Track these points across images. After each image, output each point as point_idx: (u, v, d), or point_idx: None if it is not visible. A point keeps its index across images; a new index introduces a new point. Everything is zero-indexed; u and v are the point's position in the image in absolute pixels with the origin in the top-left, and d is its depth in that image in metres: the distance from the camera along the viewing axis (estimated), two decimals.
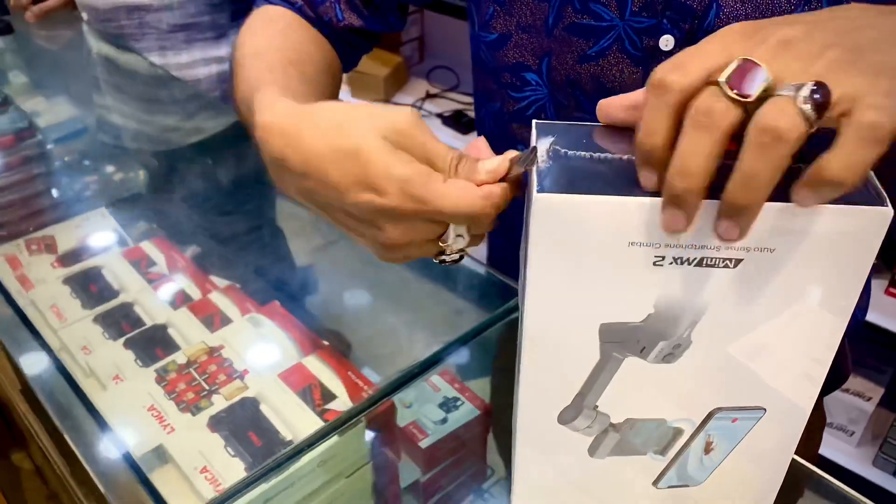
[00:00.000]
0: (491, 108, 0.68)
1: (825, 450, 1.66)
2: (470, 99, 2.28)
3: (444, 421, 0.64)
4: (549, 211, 0.37)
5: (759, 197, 0.33)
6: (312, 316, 0.82)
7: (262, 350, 0.69)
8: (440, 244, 0.43)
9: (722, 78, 0.33)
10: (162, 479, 0.58)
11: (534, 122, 0.41)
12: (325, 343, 0.70)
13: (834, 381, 0.80)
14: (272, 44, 0.60)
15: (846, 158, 0.32)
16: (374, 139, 0.40)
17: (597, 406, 0.44)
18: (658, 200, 0.35)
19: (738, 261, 0.37)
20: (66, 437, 0.61)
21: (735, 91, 0.32)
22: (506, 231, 0.51)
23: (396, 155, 0.39)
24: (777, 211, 0.35)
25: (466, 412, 0.64)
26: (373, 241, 0.43)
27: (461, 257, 0.44)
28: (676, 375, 0.42)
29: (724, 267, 0.37)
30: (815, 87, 0.31)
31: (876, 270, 1.58)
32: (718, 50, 0.34)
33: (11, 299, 0.80)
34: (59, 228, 0.94)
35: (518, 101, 0.64)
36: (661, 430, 0.45)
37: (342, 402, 0.63)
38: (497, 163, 0.41)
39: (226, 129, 1.20)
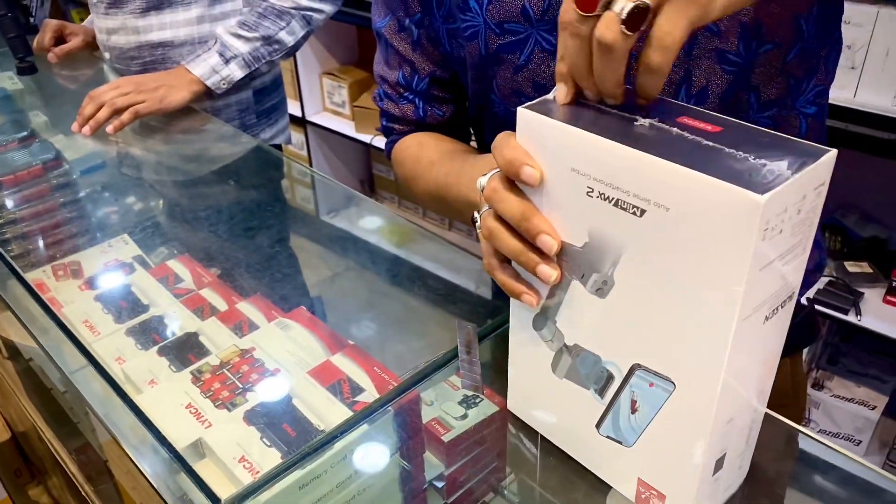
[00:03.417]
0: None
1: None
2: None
3: (465, 417, 0.67)
4: (523, 124, 0.46)
5: (608, 89, 0.44)
6: (337, 320, 0.86)
7: (291, 350, 0.73)
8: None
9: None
10: (203, 470, 0.62)
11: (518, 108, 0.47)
12: (351, 343, 0.73)
13: (807, 337, 0.87)
14: (430, 155, 0.79)
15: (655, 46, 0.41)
16: None
17: (556, 322, 0.51)
18: (595, 136, 0.42)
19: (643, 210, 0.41)
20: (111, 429, 0.64)
21: (583, 11, 0.42)
22: None
23: None
24: (672, 170, 0.39)
25: (486, 408, 0.67)
26: None
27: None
28: (607, 314, 0.47)
29: (633, 213, 0.42)
30: (633, 5, 0.40)
31: (874, 280, 1.62)
32: None
33: (44, 315, 0.83)
34: (85, 255, 0.98)
35: (496, 111, 0.76)
36: (598, 368, 0.49)
37: (370, 395, 0.67)
38: None
39: (242, 157, 1.26)
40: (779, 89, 0.65)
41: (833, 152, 0.40)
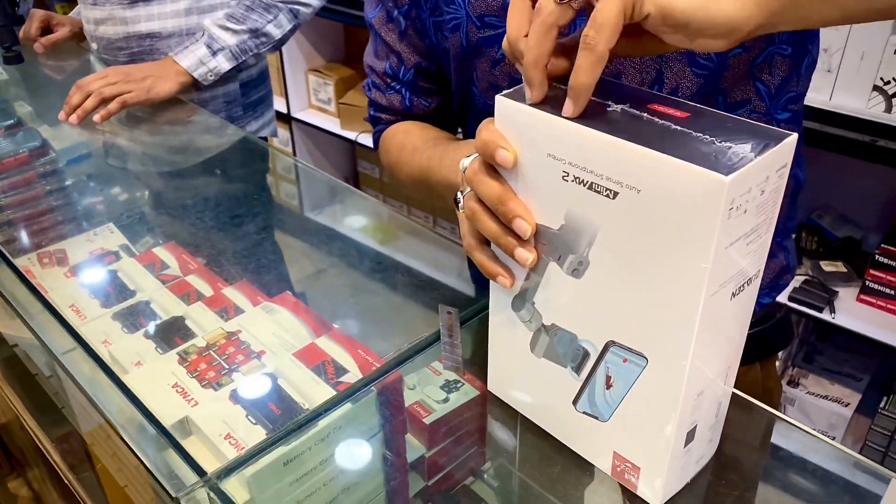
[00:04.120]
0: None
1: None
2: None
3: (447, 400, 0.69)
4: (501, 110, 0.48)
5: (538, 54, 0.45)
6: (321, 305, 0.87)
7: (276, 333, 0.74)
8: None
9: None
10: (189, 446, 0.63)
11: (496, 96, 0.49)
12: (336, 326, 0.75)
13: (780, 342, 0.89)
14: (414, 142, 0.80)
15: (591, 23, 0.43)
16: None
17: (534, 303, 0.52)
18: (568, 122, 0.44)
19: (616, 193, 0.43)
20: (101, 408, 0.65)
21: None
22: None
23: None
24: (642, 153, 0.41)
25: (467, 392, 0.69)
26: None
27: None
28: (583, 294, 0.49)
29: (606, 195, 0.44)
30: None
31: (848, 279, 1.66)
32: None
33: (31, 299, 0.84)
34: (70, 243, 0.98)
35: (476, 104, 0.79)
36: (575, 346, 0.51)
37: (353, 376, 0.69)
38: None
39: (229, 148, 1.27)
40: (745, 92, 0.66)
41: (794, 136, 0.42)
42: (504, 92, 0.48)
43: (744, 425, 0.59)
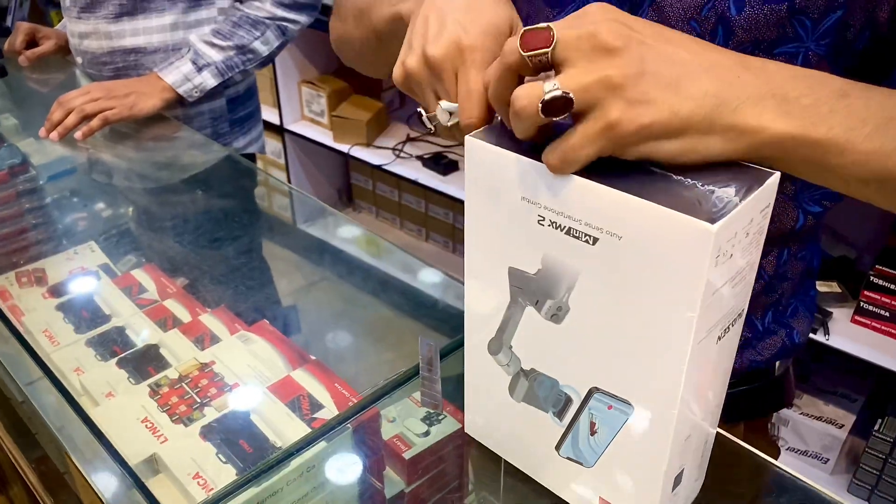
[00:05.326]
0: None
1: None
2: (448, 142, 2.34)
3: (427, 434, 0.67)
4: (471, 152, 0.45)
5: (518, 135, 0.42)
6: (300, 334, 0.85)
7: (251, 364, 0.72)
8: (438, 104, 0.50)
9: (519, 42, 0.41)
10: (157, 486, 0.61)
11: None
12: (313, 358, 0.73)
13: (773, 404, 0.82)
14: None
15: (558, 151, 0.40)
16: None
17: (511, 346, 0.50)
18: (543, 166, 0.41)
19: (596, 239, 0.41)
20: (65, 446, 0.63)
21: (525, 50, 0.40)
22: None
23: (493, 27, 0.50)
24: (622, 200, 0.39)
25: (449, 425, 0.67)
26: (421, 44, 0.51)
27: (429, 133, 0.51)
28: (563, 339, 0.47)
29: (585, 241, 0.41)
30: (557, 94, 0.38)
31: (842, 299, 1.64)
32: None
33: (2, 325, 0.82)
34: (49, 262, 0.96)
35: None
36: (556, 392, 0.49)
37: (329, 412, 0.66)
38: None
39: (214, 166, 1.25)
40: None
41: (776, 175, 0.40)
42: (473, 133, 0.46)
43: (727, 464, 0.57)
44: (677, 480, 0.48)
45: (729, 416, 0.74)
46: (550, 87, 0.39)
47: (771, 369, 0.76)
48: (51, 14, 3.06)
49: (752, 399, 0.77)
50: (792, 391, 0.82)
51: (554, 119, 0.39)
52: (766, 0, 0.52)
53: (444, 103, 0.49)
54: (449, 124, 0.49)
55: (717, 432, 0.58)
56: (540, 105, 0.39)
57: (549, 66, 0.40)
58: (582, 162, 0.40)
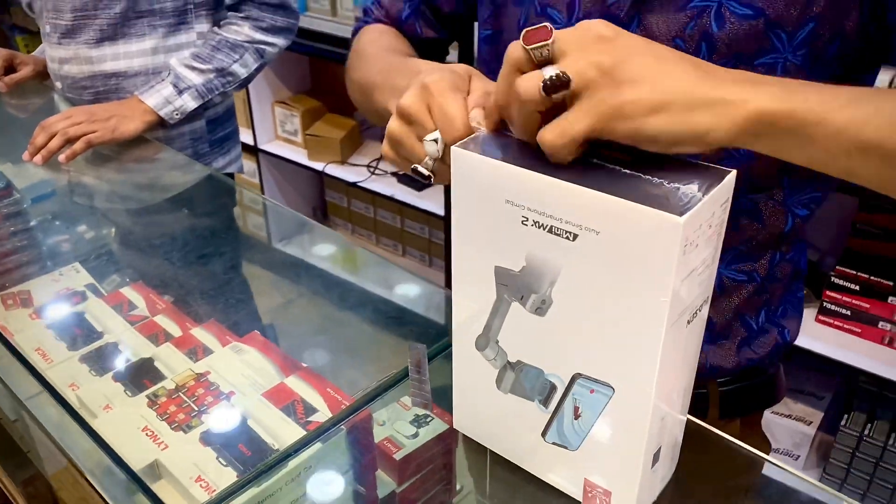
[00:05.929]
0: None
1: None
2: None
3: (416, 436, 0.70)
4: (457, 161, 0.49)
5: (518, 132, 0.49)
6: (290, 345, 0.88)
7: (245, 374, 0.75)
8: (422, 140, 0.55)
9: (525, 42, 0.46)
10: (160, 490, 0.63)
11: None
12: (305, 365, 0.76)
13: (766, 400, 0.86)
14: (390, 43, 0.80)
15: (555, 127, 0.45)
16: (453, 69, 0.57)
17: (498, 341, 0.54)
18: (525, 171, 0.46)
19: (576, 235, 0.45)
20: (69, 454, 0.65)
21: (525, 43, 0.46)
22: None
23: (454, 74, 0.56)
24: (599, 198, 0.43)
25: (436, 427, 0.70)
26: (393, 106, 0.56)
27: (427, 179, 0.55)
28: (547, 330, 0.51)
29: (566, 238, 0.46)
30: (556, 74, 0.44)
31: (806, 300, 1.70)
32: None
33: None
34: (35, 283, 0.98)
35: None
36: (541, 381, 0.53)
37: (323, 415, 0.69)
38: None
39: (195, 186, 1.27)
40: (770, 180, 0.66)
41: (733, 173, 0.45)
42: (459, 143, 0.50)
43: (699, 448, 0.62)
44: (655, 458, 0.52)
45: (726, 412, 0.79)
46: (550, 71, 0.44)
47: (765, 367, 0.81)
48: (16, 38, 3.06)
49: (748, 396, 0.81)
50: (783, 387, 0.87)
51: (553, 97, 0.44)
52: (744, 16, 0.57)
53: (427, 136, 0.53)
54: (440, 153, 0.53)
55: (714, 431, 0.63)
56: (541, 84, 0.44)
57: (549, 61, 0.46)
58: (575, 138, 0.44)
